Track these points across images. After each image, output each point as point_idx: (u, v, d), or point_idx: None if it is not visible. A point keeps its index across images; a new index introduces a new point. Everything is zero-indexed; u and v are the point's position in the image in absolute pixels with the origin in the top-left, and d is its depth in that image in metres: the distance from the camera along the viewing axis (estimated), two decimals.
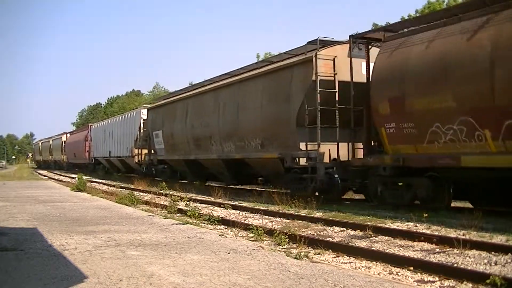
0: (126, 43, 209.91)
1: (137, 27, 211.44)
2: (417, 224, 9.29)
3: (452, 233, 8.29)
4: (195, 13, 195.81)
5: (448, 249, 7.19)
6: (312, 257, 6.65)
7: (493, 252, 6.80)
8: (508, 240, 7.61)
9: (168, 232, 8.66)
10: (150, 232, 8.71)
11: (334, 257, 7.05)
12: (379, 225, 9.24)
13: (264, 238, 8.28)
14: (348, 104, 13.36)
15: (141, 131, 28.64)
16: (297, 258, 6.34)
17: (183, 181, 23.45)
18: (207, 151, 19.78)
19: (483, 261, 6.46)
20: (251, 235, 8.51)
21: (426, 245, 7.58)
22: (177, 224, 9.82)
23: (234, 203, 13.99)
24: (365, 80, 13.03)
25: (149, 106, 29.56)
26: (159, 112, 25.58)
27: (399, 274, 5.97)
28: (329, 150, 13.97)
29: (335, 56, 13.93)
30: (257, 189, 19.73)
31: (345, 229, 9.37)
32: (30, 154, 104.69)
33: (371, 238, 8.35)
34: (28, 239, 7.96)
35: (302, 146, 14.14)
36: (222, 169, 19.39)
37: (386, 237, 8.33)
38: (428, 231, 8.54)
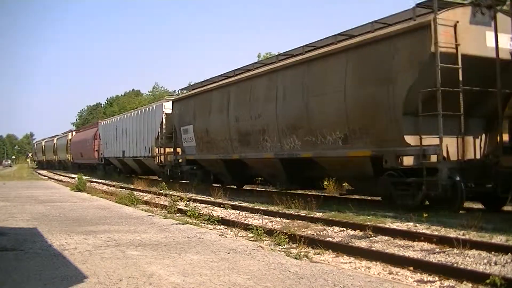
0: (126, 43, 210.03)
1: (136, 27, 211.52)
2: (417, 224, 9.29)
3: (452, 233, 8.29)
4: (195, 13, 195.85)
5: (448, 249, 7.19)
6: (312, 257, 6.64)
7: (493, 252, 6.80)
8: (508, 240, 7.61)
9: (168, 232, 8.66)
10: (150, 232, 8.71)
11: (334, 257, 7.05)
12: (379, 225, 9.24)
13: (264, 238, 8.28)
14: (473, 84, 10.77)
15: (164, 127, 24.99)
16: (297, 258, 6.34)
17: (216, 185, 20.36)
18: (257, 148, 16.33)
19: (483, 261, 6.46)
20: (251, 235, 8.51)
21: (426, 245, 7.58)
22: (177, 224, 9.82)
23: (234, 203, 13.99)
24: (492, 55, 10.40)
25: (173, 97, 25.75)
26: (188, 104, 21.61)
27: (399, 274, 5.97)
28: (447, 145, 11.04)
29: (456, 22, 10.87)
30: (257, 189, 19.76)
31: (345, 229, 9.37)
32: (30, 154, 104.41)
33: (371, 238, 8.35)
34: (28, 239, 7.96)
35: (410, 140, 11.16)
36: (277, 170, 15.94)
37: (386, 237, 8.33)
38: (428, 231, 8.53)
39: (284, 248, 7.41)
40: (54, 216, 11.46)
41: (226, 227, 10.13)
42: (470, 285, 5.36)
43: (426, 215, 9.13)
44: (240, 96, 17.42)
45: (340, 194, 14.57)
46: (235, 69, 18.81)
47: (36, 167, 79.54)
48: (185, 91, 23.90)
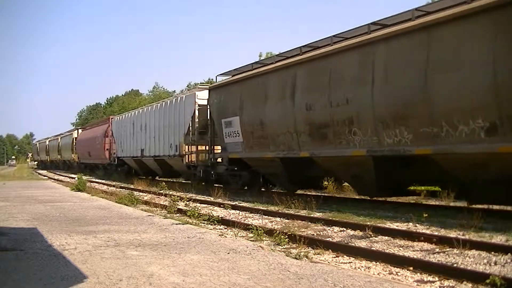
0: (125, 43, 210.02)
1: (136, 27, 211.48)
2: (417, 224, 9.29)
3: (452, 233, 8.30)
4: (195, 13, 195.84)
5: (447, 249, 7.19)
6: (311, 257, 6.65)
7: (492, 252, 6.81)
8: (508, 240, 7.62)
9: (168, 232, 8.66)
10: (149, 232, 8.71)
11: (334, 257, 7.05)
12: (379, 225, 9.24)
13: (264, 238, 8.28)
14: None
15: (196, 120, 20.95)
16: (296, 258, 6.34)
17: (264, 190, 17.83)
18: (339, 144, 12.65)
19: (483, 261, 6.46)
20: (251, 235, 8.52)
21: (426, 245, 7.59)
22: (176, 224, 9.82)
23: (233, 203, 13.99)
24: None
25: (210, 85, 21.40)
26: (232, 92, 17.79)
27: (399, 274, 5.98)
28: None
29: None
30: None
31: (344, 229, 9.37)
32: (30, 154, 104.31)
33: (371, 238, 8.35)
34: (28, 239, 7.96)
35: None
36: (365, 171, 12.34)
37: (386, 237, 8.33)
38: (427, 231, 8.54)
39: (284, 248, 7.41)
40: (54, 216, 11.46)
41: (226, 227, 10.14)
42: (470, 285, 5.36)
43: (426, 215, 9.14)
44: (313, 79, 13.64)
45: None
46: (302, 46, 14.79)
47: (36, 167, 78.27)
48: (224, 78, 19.50)
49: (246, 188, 17.78)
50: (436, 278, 5.68)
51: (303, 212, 11.66)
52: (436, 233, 8.24)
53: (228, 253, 6.68)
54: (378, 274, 6.01)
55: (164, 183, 15.83)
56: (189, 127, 21.35)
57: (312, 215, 11.07)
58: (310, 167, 14.66)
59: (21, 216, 11.37)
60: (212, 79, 52.57)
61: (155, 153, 25.31)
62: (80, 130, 49.67)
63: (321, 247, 7.50)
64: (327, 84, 13.03)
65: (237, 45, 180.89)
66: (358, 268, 6.40)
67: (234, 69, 18.62)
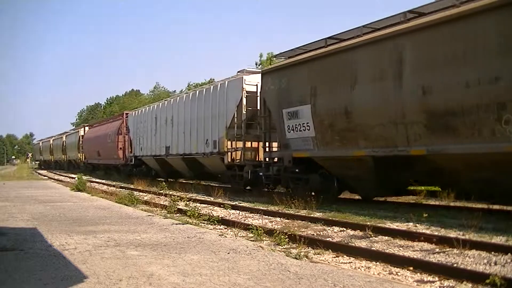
0: (125, 44, 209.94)
1: (135, 27, 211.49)
2: (417, 224, 9.30)
3: (452, 233, 8.30)
4: (195, 13, 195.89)
5: (447, 249, 7.19)
6: (311, 257, 6.65)
7: (492, 252, 6.81)
8: (508, 240, 7.62)
9: (168, 232, 8.66)
10: (149, 232, 8.71)
11: (334, 257, 7.05)
12: (379, 225, 9.25)
13: (264, 238, 8.29)
14: None
15: (244, 111, 17.31)
16: (296, 258, 6.35)
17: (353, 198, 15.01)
18: (476, 136, 9.48)
19: (483, 261, 6.46)
20: (251, 235, 8.52)
21: (426, 245, 7.59)
22: (176, 224, 9.83)
23: (233, 203, 13.99)
24: None
25: (262, 68, 18.52)
26: (299, 75, 14.35)
27: (399, 274, 5.98)
28: None
29: None
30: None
31: (344, 229, 9.37)
32: (30, 154, 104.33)
33: (371, 238, 8.36)
34: (28, 239, 7.97)
35: None
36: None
37: (386, 237, 8.34)
38: (427, 231, 8.54)
39: (284, 248, 7.41)
40: (54, 216, 11.46)
41: (226, 227, 10.14)
42: (470, 285, 5.36)
43: (426, 215, 9.14)
44: (431, 52, 10.39)
45: None
46: (407, 11, 11.56)
47: (38, 167, 75.52)
48: (282, 58, 16.34)
49: (313, 194, 13.42)
50: (436, 278, 5.68)
51: (303, 212, 11.67)
52: (436, 233, 8.24)
53: (228, 253, 6.68)
54: (378, 274, 6.01)
55: (164, 183, 15.83)
56: (233, 118, 17.58)
57: (312, 215, 11.08)
58: (411, 167, 11.57)
59: (21, 216, 11.37)
60: (213, 79, 52.53)
61: (184, 151, 21.47)
62: (87, 128, 45.13)
63: (321, 247, 7.50)
64: (462, 56, 9.71)
65: (237, 45, 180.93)
66: (358, 268, 6.40)
67: (298, 47, 15.06)
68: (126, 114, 31.76)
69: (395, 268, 6.20)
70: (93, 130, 41.88)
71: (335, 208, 12.13)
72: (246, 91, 17.37)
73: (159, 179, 26.45)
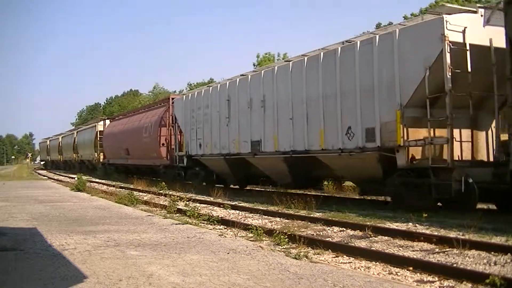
0: (125, 43, 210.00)
1: (135, 27, 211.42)
2: (417, 224, 9.29)
3: (452, 233, 8.29)
4: (194, 14, 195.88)
5: (447, 249, 7.19)
6: (311, 257, 6.65)
7: (492, 252, 6.80)
8: (508, 240, 7.61)
9: (168, 232, 8.66)
10: (149, 232, 8.71)
11: (334, 257, 7.05)
12: (378, 225, 9.24)
13: (264, 238, 8.28)
14: None
15: (448, 74, 10.27)
16: (296, 258, 6.35)
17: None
18: None
19: (483, 261, 6.46)
20: (251, 235, 8.51)
21: (426, 245, 7.58)
22: (176, 224, 9.82)
23: (233, 203, 13.98)
24: None
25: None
26: None
27: (398, 274, 5.97)
28: None
29: None
30: (257, 189, 19.71)
31: (344, 229, 9.37)
32: (29, 154, 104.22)
33: (370, 238, 8.35)
34: (28, 239, 7.97)
35: None
36: None
37: (386, 237, 8.33)
38: (427, 231, 8.53)
39: (283, 248, 7.41)
40: (53, 216, 11.46)
41: (225, 227, 10.13)
42: (469, 285, 5.36)
43: (426, 215, 9.14)
44: None
45: None
46: None
47: (44, 168, 69.67)
48: None
49: None
50: (436, 278, 5.68)
51: (302, 212, 11.66)
52: (435, 233, 8.24)
53: (228, 253, 6.68)
54: (378, 274, 6.01)
55: (163, 183, 15.81)
56: (416, 90, 10.88)
57: (311, 215, 11.06)
58: None
59: (21, 216, 11.37)
60: (213, 79, 52.45)
61: (292, 147, 14.45)
62: (107, 121, 37.55)
63: (321, 247, 7.50)
64: None
65: (236, 45, 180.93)
66: (358, 268, 6.40)
67: None
68: (173, 99, 23.71)
69: (395, 268, 6.20)
70: (117, 123, 34.20)
71: (335, 208, 12.11)
72: (451, 42, 10.39)
73: (217, 185, 19.29)
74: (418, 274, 5.90)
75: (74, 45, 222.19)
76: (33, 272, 5.59)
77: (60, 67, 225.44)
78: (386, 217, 10.49)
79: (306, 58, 14.23)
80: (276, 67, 15.75)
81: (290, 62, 15.10)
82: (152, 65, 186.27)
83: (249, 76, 16.98)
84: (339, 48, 12.88)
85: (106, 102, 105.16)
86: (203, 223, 10.42)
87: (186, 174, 21.76)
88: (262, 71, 16.37)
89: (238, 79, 17.68)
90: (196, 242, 7.60)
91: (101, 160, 35.88)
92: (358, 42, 12.42)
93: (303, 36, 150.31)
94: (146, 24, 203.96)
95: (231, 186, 19.81)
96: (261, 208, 12.79)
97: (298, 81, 14.34)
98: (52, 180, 34.54)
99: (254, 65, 42.73)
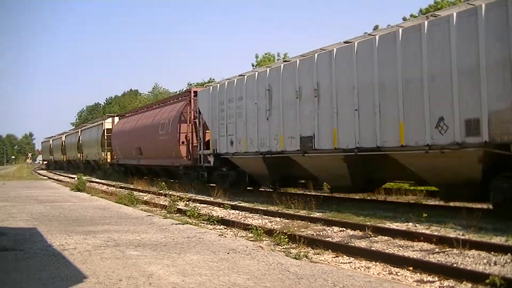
0: (125, 44, 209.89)
1: (135, 27, 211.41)
2: (417, 224, 9.29)
3: (452, 233, 8.29)
4: (195, 14, 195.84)
5: (447, 249, 7.19)
6: (311, 257, 6.65)
7: (492, 252, 6.81)
8: (508, 240, 7.61)
9: (168, 232, 8.66)
10: (149, 232, 8.71)
11: (334, 257, 7.05)
12: (378, 225, 9.24)
13: (264, 238, 8.28)
14: None
15: None
16: (296, 258, 6.35)
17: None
18: None
19: (483, 261, 6.46)
20: (251, 235, 8.52)
21: (426, 245, 7.58)
22: (176, 224, 9.82)
23: (233, 203, 13.98)
24: None
25: None
26: None
27: (398, 274, 5.97)
28: None
29: None
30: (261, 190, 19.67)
31: (344, 229, 9.37)
32: (29, 154, 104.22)
33: (370, 238, 8.35)
34: (28, 239, 7.97)
35: None
36: None
37: (386, 237, 8.33)
38: (427, 231, 8.54)
39: (283, 248, 7.41)
40: (53, 216, 11.46)
41: (225, 227, 10.13)
42: (469, 285, 5.36)
43: (426, 215, 9.14)
44: None
45: None
46: None
47: (47, 168, 67.59)
48: None
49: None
50: (436, 278, 5.68)
51: (302, 212, 11.65)
52: (435, 233, 8.24)
53: (228, 253, 6.68)
54: (377, 274, 6.01)
55: (163, 183, 15.81)
56: None
57: (311, 215, 11.06)
58: None
59: (20, 216, 11.37)
60: (213, 79, 52.46)
61: (357, 143, 11.95)
62: (116, 118, 34.41)
63: (321, 247, 7.50)
64: None
65: (236, 46, 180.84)
66: (358, 268, 6.40)
67: None
68: (195, 92, 20.88)
69: (395, 268, 6.20)
70: (128, 119, 31.03)
71: (335, 208, 12.11)
72: None
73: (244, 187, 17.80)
74: (418, 274, 5.90)
75: (74, 45, 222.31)
76: (33, 272, 5.59)
77: (60, 67, 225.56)
78: (386, 217, 10.50)
79: (377, 37, 11.63)
80: (335, 49, 12.80)
81: (355, 42, 12.23)
82: (152, 65, 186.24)
83: (297, 62, 14.13)
84: (425, 23, 10.38)
85: (106, 102, 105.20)
86: (203, 223, 10.42)
87: (210, 175, 19.09)
88: (316, 55, 13.47)
89: (282, 65, 14.98)
90: (196, 242, 7.60)
91: (109, 161, 33.22)
92: (455, 14, 9.85)
93: (303, 36, 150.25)
94: (146, 24, 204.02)
95: (260, 189, 17.81)
96: (261, 208, 12.79)
97: (366, 65, 11.74)
98: (52, 180, 34.53)
99: (253, 65, 42.62)
